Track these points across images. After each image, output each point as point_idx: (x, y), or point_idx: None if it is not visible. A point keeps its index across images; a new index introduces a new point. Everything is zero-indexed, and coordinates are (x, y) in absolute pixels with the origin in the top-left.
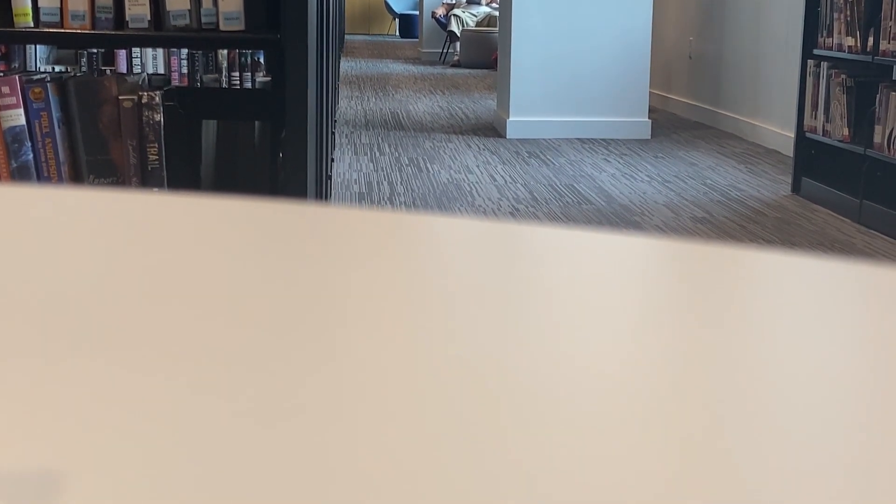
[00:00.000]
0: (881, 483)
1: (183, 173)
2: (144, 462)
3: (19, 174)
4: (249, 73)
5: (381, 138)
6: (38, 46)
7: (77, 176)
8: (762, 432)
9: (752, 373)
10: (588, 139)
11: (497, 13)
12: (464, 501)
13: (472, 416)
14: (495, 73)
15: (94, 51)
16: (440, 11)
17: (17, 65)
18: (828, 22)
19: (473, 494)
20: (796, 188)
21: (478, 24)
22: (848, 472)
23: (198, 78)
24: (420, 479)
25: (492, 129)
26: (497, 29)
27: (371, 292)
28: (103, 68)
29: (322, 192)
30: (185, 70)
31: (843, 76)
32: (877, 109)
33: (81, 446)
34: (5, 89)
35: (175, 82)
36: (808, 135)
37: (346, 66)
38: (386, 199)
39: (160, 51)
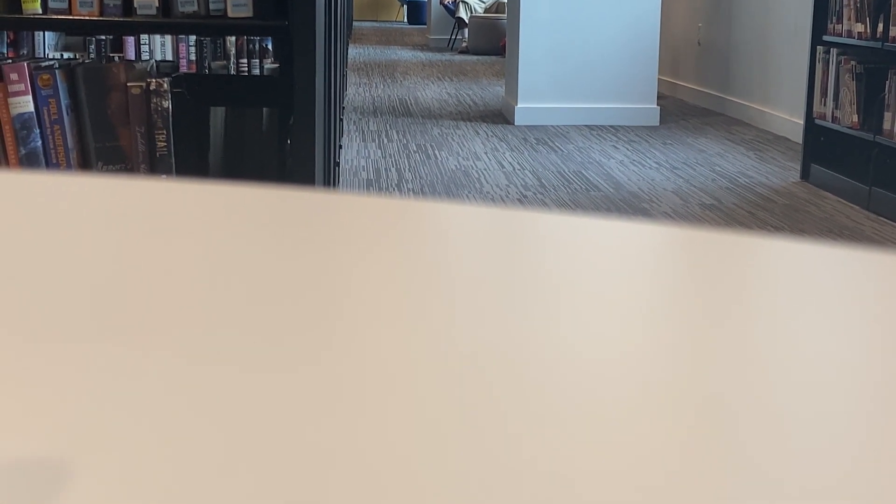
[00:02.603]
0: (890, 472)
1: (191, 160)
2: (149, 451)
3: (28, 161)
4: (257, 60)
5: (389, 125)
6: (46, 33)
7: (85, 163)
8: (770, 421)
9: (761, 361)
10: (596, 126)
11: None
12: (466, 492)
13: (479, 405)
14: (503, 60)
15: (103, 37)
16: None
17: (25, 52)
18: (837, 8)
19: (478, 485)
20: (805, 175)
21: (486, 10)
22: (854, 461)
23: (206, 65)
24: (424, 470)
25: (500, 116)
26: (505, 15)
27: (379, 279)
28: (111, 55)
29: (330, 179)
30: (193, 57)
31: (853, 63)
32: (886, 96)
33: (88, 435)
34: (14, 76)
35: (183, 69)
36: (817, 121)
37: (353, 52)
38: (394, 185)
39: (168, 37)
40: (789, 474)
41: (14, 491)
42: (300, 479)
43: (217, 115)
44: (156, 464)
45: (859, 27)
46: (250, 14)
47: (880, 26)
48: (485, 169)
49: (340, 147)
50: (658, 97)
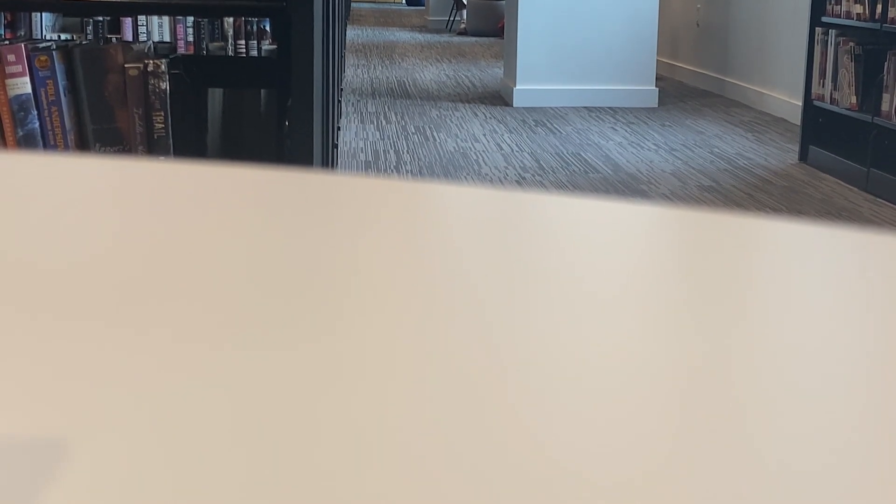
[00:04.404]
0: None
1: (189, 142)
2: (148, 431)
3: (25, 142)
4: (255, 42)
5: (388, 107)
6: (43, 14)
7: (83, 144)
8: (769, 404)
9: (758, 343)
10: (595, 107)
11: None
12: (469, 486)
13: (476, 389)
14: (502, 42)
15: (100, 19)
16: None
17: (22, 33)
18: None
19: (483, 478)
20: (803, 156)
21: None
22: (854, 446)
23: (203, 46)
24: (428, 461)
25: (498, 98)
26: None
27: (377, 261)
28: (109, 36)
29: (328, 161)
30: (190, 38)
31: (852, 44)
32: (885, 77)
33: (86, 415)
34: (11, 57)
35: (181, 50)
36: (815, 103)
37: (352, 34)
38: (392, 167)
39: (166, 19)
40: (790, 462)
41: (12, 470)
42: (298, 465)
43: (215, 96)
44: (154, 445)
45: (858, 8)
46: None
47: (879, 7)
48: (483, 151)
49: (339, 129)
50: (656, 79)
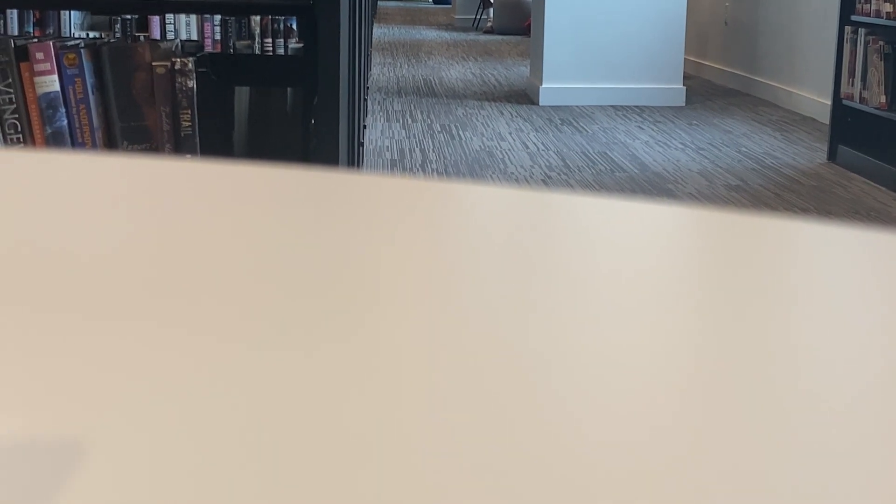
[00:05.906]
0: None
1: (215, 140)
2: (167, 431)
3: (54, 140)
4: (282, 40)
5: (414, 105)
6: (72, 12)
7: (111, 142)
8: (796, 407)
9: (785, 346)
10: (621, 106)
11: None
12: (483, 487)
13: (496, 390)
14: (528, 40)
15: (128, 17)
16: None
17: (51, 31)
18: None
19: (498, 479)
20: (832, 156)
21: None
22: (880, 450)
23: (231, 44)
24: (448, 460)
25: (524, 96)
26: None
27: (402, 261)
28: (137, 34)
29: (354, 159)
30: (218, 36)
31: (881, 43)
32: None
33: (104, 415)
34: (39, 55)
35: (208, 49)
36: (844, 102)
37: (378, 32)
38: (418, 166)
39: (193, 17)
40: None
41: (28, 469)
42: (318, 466)
43: (242, 94)
44: (172, 445)
45: (888, 7)
46: None
47: None
48: (509, 149)
49: (365, 127)
50: (684, 77)
